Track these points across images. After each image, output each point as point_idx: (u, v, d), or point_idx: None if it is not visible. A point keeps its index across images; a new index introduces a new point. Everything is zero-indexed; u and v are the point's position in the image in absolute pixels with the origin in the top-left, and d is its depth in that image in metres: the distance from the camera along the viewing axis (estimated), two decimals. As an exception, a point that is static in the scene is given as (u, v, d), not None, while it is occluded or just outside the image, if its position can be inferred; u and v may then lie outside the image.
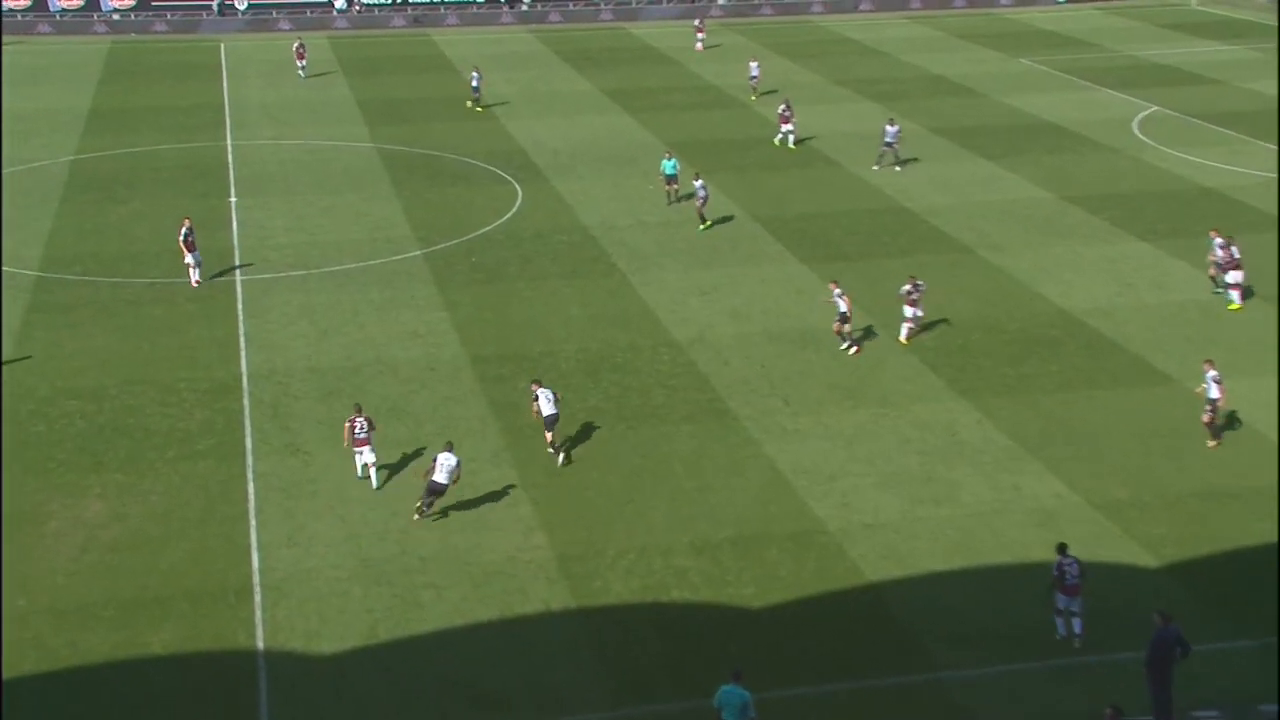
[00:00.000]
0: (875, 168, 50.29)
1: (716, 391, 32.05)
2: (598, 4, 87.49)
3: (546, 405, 28.47)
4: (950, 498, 27.43)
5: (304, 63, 67.86)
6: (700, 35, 76.07)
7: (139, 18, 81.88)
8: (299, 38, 72.14)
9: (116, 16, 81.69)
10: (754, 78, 62.84)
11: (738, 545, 25.71)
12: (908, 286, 34.65)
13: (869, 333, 35.33)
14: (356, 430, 27.42)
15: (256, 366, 33.12)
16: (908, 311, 34.59)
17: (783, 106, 54.22)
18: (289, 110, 60.41)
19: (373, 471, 27.49)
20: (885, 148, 50.30)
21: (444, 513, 26.64)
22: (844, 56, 73.22)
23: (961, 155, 52.64)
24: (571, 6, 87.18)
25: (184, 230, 38.50)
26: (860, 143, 54.09)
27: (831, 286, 34.75)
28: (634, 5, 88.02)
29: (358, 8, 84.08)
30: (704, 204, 43.50)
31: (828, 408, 31.28)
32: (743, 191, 47.61)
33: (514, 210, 45.83)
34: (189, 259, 38.15)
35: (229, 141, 54.89)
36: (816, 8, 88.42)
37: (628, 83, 66.37)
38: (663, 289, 38.50)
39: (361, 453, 27.46)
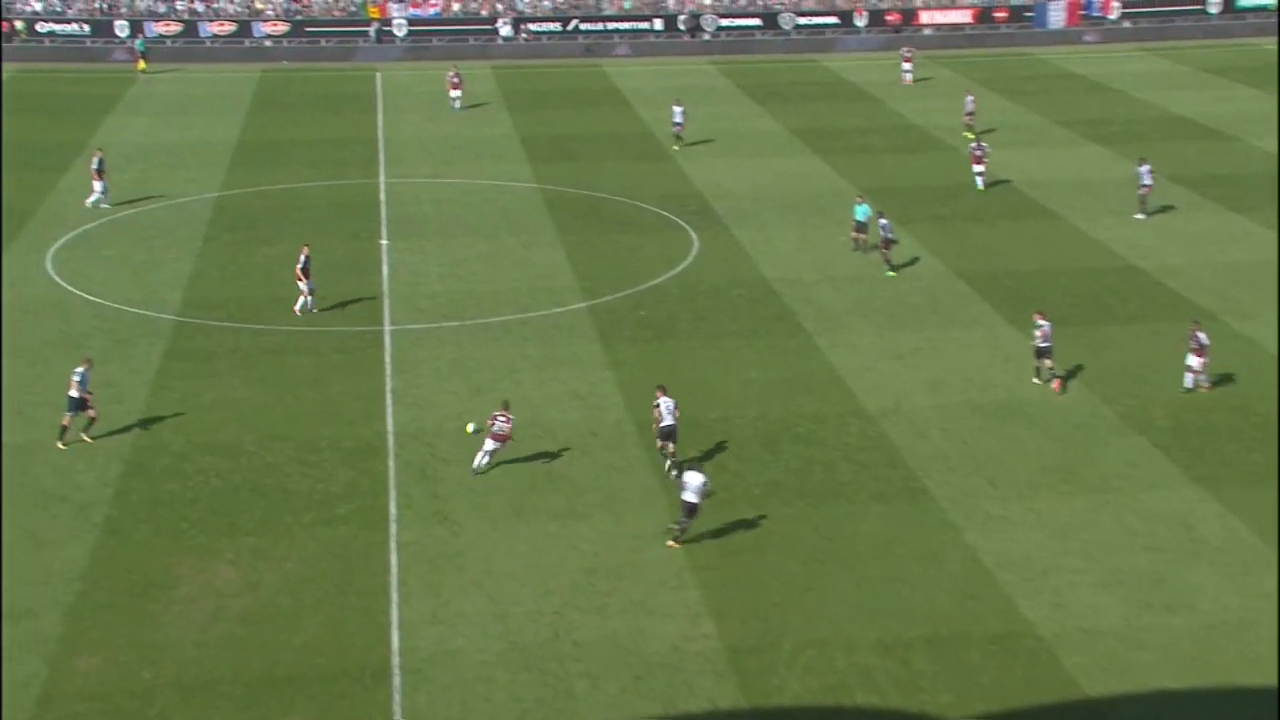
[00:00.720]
0: (1139, 216, 49.68)
1: (911, 469, 31.62)
2: (787, 33, 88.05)
3: (667, 416, 30.96)
4: (1186, 604, 26.48)
5: (459, 93, 69.67)
6: (907, 66, 76.04)
7: (292, 44, 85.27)
8: (454, 66, 74.31)
9: (269, 43, 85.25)
10: (969, 113, 62.66)
11: (932, 645, 25.23)
12: (1201, 336, 34.97)
13: (1092, 411, 34.48)
14: (496, 426, 30.90)
15: (404, 425, 33.86)
16: (1194, 362, 34.88)
17: (975, 145, 54.21)
18: (447, 146, 62.04)
19: (485, 459, 31.00)
20: (1145, 188, 49.56)
21: (604, 594, 26.76)
22: (1068, 94, 72.27)
23: (1205, 207, 51.33)
24: (759, 36, 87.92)
25: (302, 259, 40.63)
26: (1084, 191, 53.20)
27: (1036, 316, 36.21)
28: (828, 35, 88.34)
29: (524, 35, 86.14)
30: (889, 246, 43.88)
31: (1040, 492, 30.58)
32: (947, 244, 47.15)
33: (688, 260, 46.12)
34: (302, 287, 40.28)
35: (382, 179, 56.57)
36: (1036, 40, 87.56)
37: (819, 121, 66.49)
38: (853, 352, 38.25)
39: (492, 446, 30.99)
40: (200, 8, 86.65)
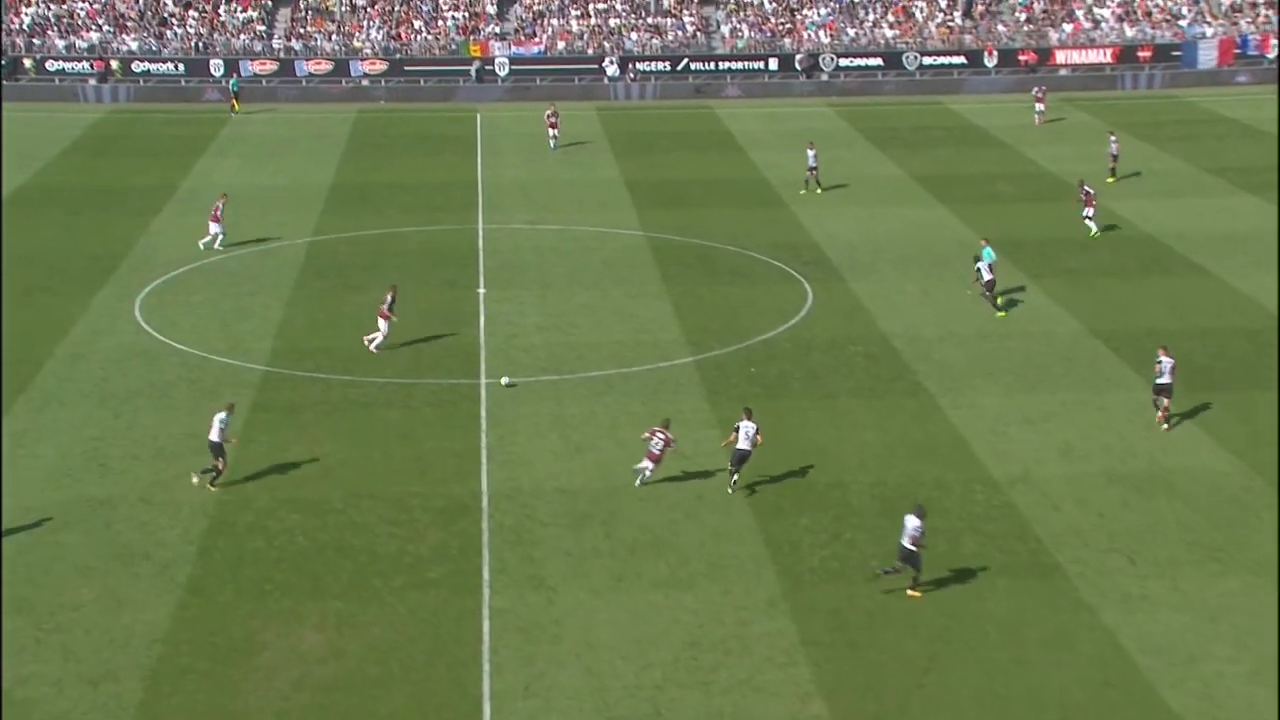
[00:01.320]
0: None
1: (1042, 542, 31.05)
2: (911, 73, 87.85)
3: (744, 440, 32.70)
4: (1344, 696, 25.63)
5: (556, 133, 70.51)
6: (1040, 107, 75.49)
7: (391, 83, 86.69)
8: (553, 104, 75.20)
9: (366, 82, 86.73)
10: (1114, 156, 62.32)
11: (1065, 736, 24.64)
12: None
13: (1244, 484, 33.67)
14: (653, 442, 33.01)
15: (499, 484, 33.96)
16: None
17: (1082, 188, 54.48)
18: (548, 191, 62.53)
19: (647, 474, 33.37)
20: None
21: (708, 669, 26.51)
22: (1218, 139, 71.33)
23: (1363, 262, 50.18)
24: (880, 77, 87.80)
25: (389, 299, 42.48)
26: (1234, 244, 52.30)
27: (1160, 352, 36.92)
28: (955, 76, 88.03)
29: (632, 75, 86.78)
30: (989, 286, 45.12)
31: (1185, 570, 29.84)
32: (1081, 300, 46.51)
33: (802, 314, 45.94)
34: (383, 326, 42.17)
35: (480, 225, 57.10)
36: (1184, 81, 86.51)
37: (944, 167, 66.12)
38: (979, 415, 37.77)
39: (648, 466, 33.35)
40: (297, 46, 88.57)
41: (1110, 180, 61.75)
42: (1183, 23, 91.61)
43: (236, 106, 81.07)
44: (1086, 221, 53.94)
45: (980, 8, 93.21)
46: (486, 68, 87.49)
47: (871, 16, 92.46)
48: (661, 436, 33.02)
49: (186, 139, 73.41)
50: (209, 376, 40.55)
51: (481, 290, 48.59)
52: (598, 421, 37.47)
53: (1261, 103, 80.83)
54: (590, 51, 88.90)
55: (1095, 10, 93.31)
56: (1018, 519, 32.11)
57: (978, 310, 45.58)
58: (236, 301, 47.17)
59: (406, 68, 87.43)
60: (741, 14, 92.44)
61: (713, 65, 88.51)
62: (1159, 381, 36.65)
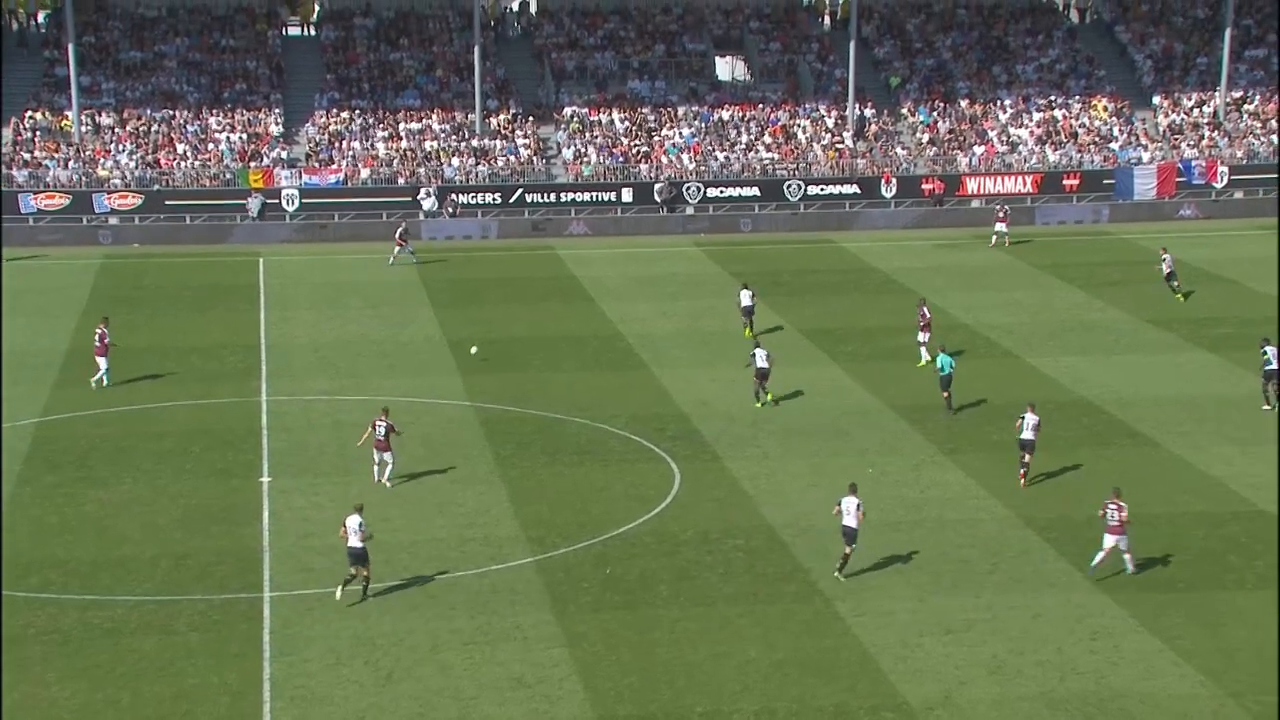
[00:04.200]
0: (1266, 408, 51.06)
1: (971, 783, 30.89)
2: (793, 204, 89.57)
3: (848, 516, 39.85)
4: None
5: (409, 246, 77.11)
6: (1000, 227, 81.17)
7: (147, 222, 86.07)
8: (404, 222, 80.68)
9: (115, 220, 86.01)
10: (1169, 274, 67.68)
11: None
12: None
13: (1214, 709, 33.94)
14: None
15: (287, 726, 33.12)
16: None
17: (921, 307, 60.50)
18: (351, 353, 62.19)
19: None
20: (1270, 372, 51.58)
21: None
22: (1161, 284, 73.22)
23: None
24: (757, 211, 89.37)
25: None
26: (1189, 410, 53.48)
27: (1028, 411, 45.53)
28: (847, 208, 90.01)
29: (452, 209, 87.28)
30: (761, 377, 53.46)
31: (1145, 814, 29.82)
32: (1010, 480, 47.02)
33: (668, 500, 45.87)
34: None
35: (264, 396, 56.50)
36: (1118, 215, 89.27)
37: (836, 319, 67.13)
38: (887, 623, 37.81)
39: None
40: (21, 175, 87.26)
41: (1180, 298, 69.07)
42: (1114, 146, 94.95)
43: None
44: (920, 348, 59.37)
45: (874, 127, 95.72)
46: (271, 201, 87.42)
47: (745, 138, 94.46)
48: (1115, 506, 39.41)
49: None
50: (-89, 594, 39.20)
51: (265, 479, 47.90)
52: (415, 643, 36.90)
53: (1212, 240, 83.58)
54: (401, 181, 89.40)
55: (1011, 131, 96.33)
56: (940, 754, 32.01)
57: (884, 493, 45.88)
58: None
59: (168, 202, 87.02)
60: (587, 135, 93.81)
61: (553, 196, 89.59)
62: (1022, 438, 46.58)
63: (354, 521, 38.48)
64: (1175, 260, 70.95)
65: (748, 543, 42.76)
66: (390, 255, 77.99)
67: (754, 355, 55.09)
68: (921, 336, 59.68)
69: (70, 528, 44.17)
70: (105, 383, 57.25)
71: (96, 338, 57.64)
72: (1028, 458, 46.71)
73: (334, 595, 38.64)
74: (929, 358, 58.35)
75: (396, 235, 79.28)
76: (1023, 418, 46.74)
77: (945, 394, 53.59)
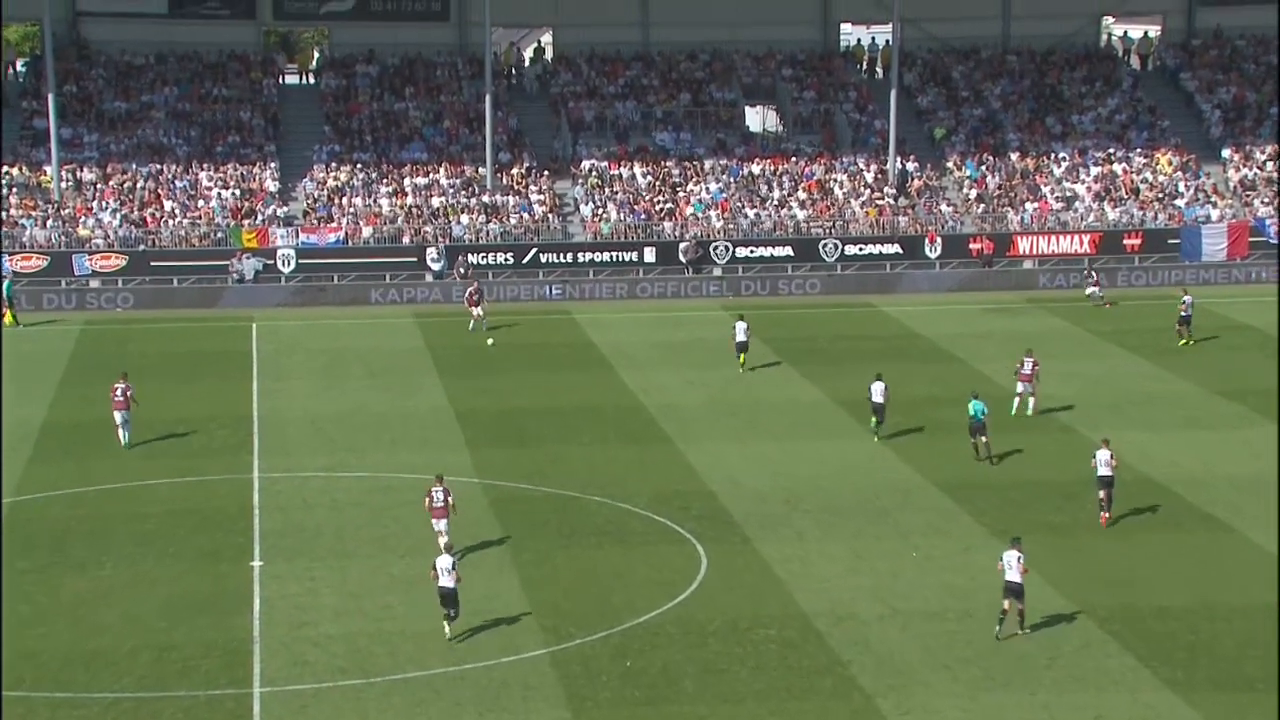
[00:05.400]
0: None
1: None
2: (830, 265, 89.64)
3: (1011, 572, 41.65)
4: None
5: (479, 310, 77.64)
6: (1095, 290, 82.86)
7: (130, 285, 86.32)
8: (477, 282, 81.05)
9: (97, 283, 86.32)
10: (1184, 318, 70.92)
11: None
12: None
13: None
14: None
15: (278, 832, 33.05)
16: None
17: (1025, 361, 62.46)
18: (350, 426, 62.26)
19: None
20: None
21: None
22: (1232, 352, 73.33)
23: None
24: (790, 272, 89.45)
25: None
26: (1263, 492, 53.16)
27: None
28: (888, 270, 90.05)
29: (463, 270, 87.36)
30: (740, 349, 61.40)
31: None
32: (1066, 567, 46.83)
33: (693, 587, 45.77)
34: (118, 418, 46.78)
35: (256, 474, 56.53)
36: (1185, 276, 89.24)
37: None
38: (934, 721, 37.66)
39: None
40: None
41: (1183, 343, 73.76)
42: (1180, 203, 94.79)
43: (10, 317, 79.97)
44: (1014, 398, 62.38)
45: (917, 182, 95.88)
46: (266, 262, 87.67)
47: (777, 193, 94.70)
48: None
49: None
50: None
51: (256, 564, 47.87)
52: (417, 741, 36.80)
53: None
54: (407, 240, 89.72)
55: (1066, 186, 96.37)
56: None
57: (929, 580, 45.71)
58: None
59: (154, 263, 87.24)
60: (606, 190, 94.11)
61: (570, 256, 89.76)
62: (1099, 474, 49.54)
63: (445, 561, 41.70)
64: (1193, 304, 75.43)
65: (780, 633, 42.60)
66: (470, 321, 78.33)
67: (735, 328, 68.28)
68: (1020, 387, 62.36)
69: (44, 617, 44.10)
70: (127, 439, 59.32)
71: (119, 393, 59.20)
72: (1104, 494, 49.85)
73: (444, 635, 41.75)
74: (1018, 410, 62.08)
75: (468, 297, 79.06)
76: (1095, 454, 50.01)
77: (973, 441, 56.56)
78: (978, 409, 56.46)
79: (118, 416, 59.25)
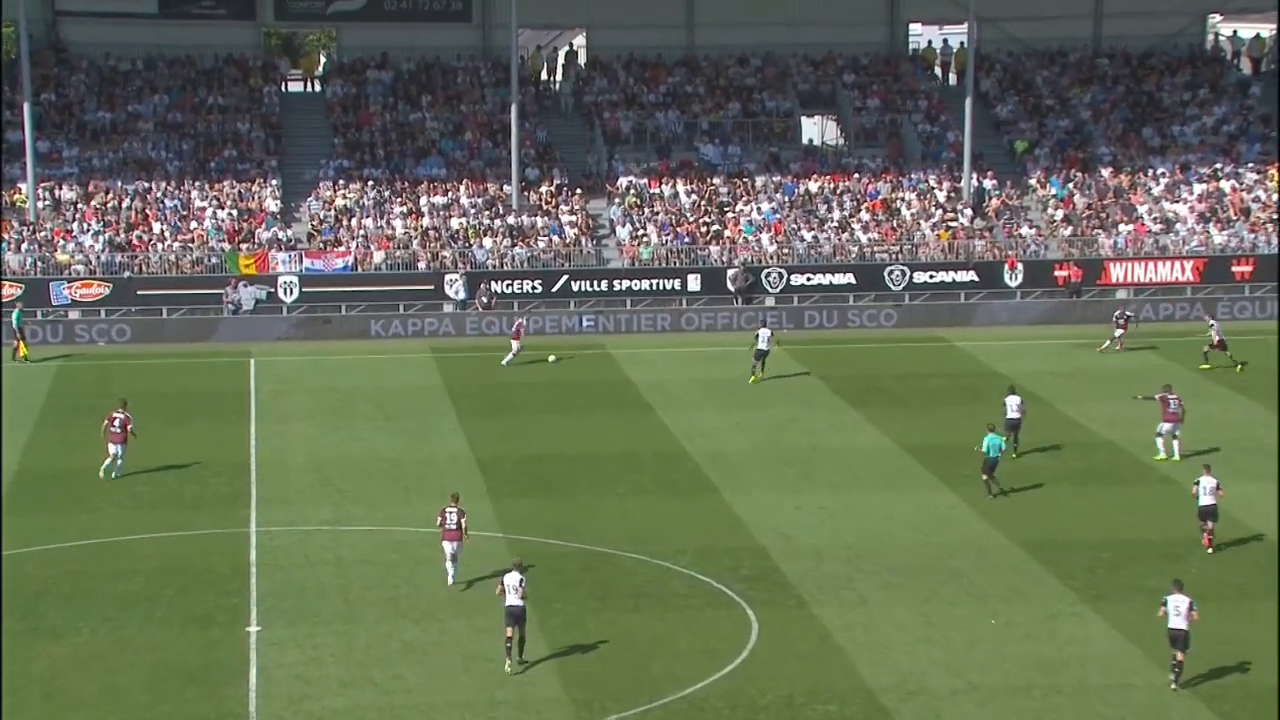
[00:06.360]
0: None
1: None
2: (896, 294, 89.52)
3: (1177, 618, 42.74)
4: None
5: (518, 343, 78.44)
6: (1119, 333, 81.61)
7: (115, 314, 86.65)
8: (525, 317, 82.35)
9: (76, 314, 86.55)
10: (1215, 343, 71.65)
11: None
12: None
13: None
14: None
15: None
16: None
17: (1166, 398, 63.03)
18: (358, 473, 62.33)
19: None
20: None
21: None
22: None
23: None
24: (853, 301, 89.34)
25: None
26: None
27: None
28: (963, 300, 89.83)
29: (486, 299, 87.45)
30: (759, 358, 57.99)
31: None
32: (1163, 637, 46.56)
33: (743, 656, 45.66)
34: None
35: (253, 527, 56.59)
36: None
37: (950, 433, 66.81)
38: (1015, 809, 37.42)
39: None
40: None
41: (1207, 366, 76.23)
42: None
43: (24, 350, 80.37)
44: (1157, 439, 63.31)
45: (995, 202, 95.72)
46: (266, 290, 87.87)
47: (837, 214, 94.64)
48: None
49: None
50: None
51: (253, 629, 47.85)
52: (431, 829, 36.73)
53: None
54: (423, 266, 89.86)
55: (1166, 206, 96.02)
56: None
57: (1011, 650, 45.47)
58: None
59: (140, 291, 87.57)
60: (646, 210, 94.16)
61: (605, 284, 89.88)
62: (1201, 503, 52.12)
63: (513, 579, 43.57)
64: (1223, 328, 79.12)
65: (841, 709, 42.45)
66: (508, 355, 79.36)
67: (758, 335, 70.97)
68: (1165, 427, 63.02)
69: (14, 690, 43.94)
70: (115, 474, 60.64)
71: (118, 424, 60.52)
72: (1210, 525, 52.57)
73: (504, 669, 43.35)
74: (1165, 454, 62.95)
75: (516, 329, 79.88)
76: (1198, 482, 52.70)
77: (985, 478, 58.32)
78: (993, 444, 58.02)
79: (112, 449, 60.53)
